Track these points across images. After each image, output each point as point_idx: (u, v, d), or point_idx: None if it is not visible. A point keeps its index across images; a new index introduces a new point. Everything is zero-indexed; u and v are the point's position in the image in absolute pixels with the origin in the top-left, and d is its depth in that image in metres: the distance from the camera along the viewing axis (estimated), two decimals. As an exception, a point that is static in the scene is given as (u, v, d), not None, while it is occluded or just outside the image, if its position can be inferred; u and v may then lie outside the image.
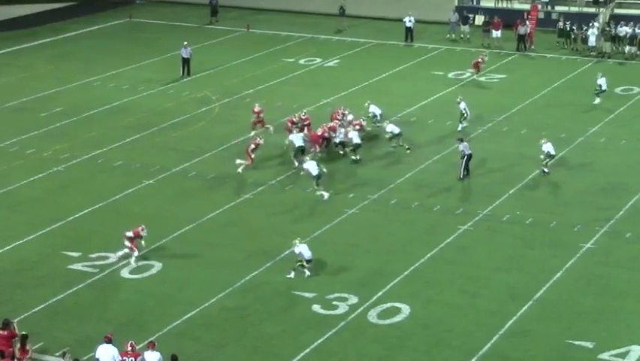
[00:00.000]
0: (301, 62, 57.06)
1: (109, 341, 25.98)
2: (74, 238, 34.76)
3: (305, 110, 43.80)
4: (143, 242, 33.01)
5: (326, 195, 37.66)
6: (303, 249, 31.67)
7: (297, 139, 40.47)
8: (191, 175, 40.11)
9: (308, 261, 31.64)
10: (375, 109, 44.31)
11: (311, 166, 37.77)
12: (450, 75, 53.95)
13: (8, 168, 41.23)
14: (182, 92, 51.44)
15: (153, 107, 49.11)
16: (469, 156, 39.34)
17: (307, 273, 31.59)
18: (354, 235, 35.07)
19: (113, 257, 32.90)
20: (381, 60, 57.17)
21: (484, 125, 45.51)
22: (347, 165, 40.88)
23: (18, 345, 26.19)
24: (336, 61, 57.38)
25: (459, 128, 43.78)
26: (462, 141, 39.93)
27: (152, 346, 25.97)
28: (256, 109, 44.19)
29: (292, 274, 31.65)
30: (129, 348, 25.79)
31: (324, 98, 49.89)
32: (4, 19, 67.11)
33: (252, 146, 40.11)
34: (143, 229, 32.88)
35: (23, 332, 26.53)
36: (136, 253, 32.66)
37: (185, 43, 53.94)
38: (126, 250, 32.75)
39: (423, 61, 57.18)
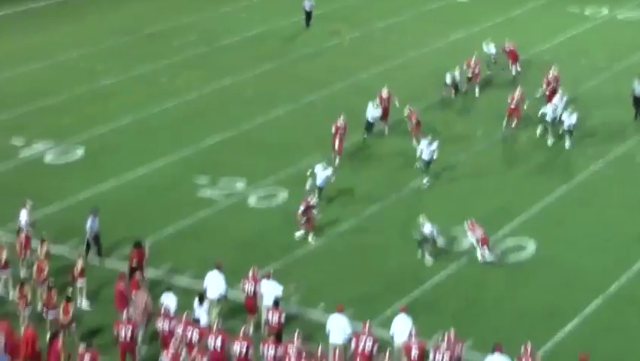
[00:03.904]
0: (435, -4, 56.27)
1: (218, 267, 26.14)
2: (205, 165, 35.28)
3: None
4: None
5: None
6: None
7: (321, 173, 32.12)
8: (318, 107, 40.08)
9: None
10: (491, 48, 43.10)
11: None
12: (586, 12, 52.55)
13: (141, 95, 42.01)
14: (313, 24, 51.33)
15: (284, 38, 49.28)
16: None
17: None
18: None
19: None
20: (515, -4, 56.00)
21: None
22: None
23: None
24: (468, -4, 56.44)
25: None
26: None
27: (268, 276, 26.06)
28: None
29: None
30: (251, 274, 25.97)
31: (453, 34, 49.21)
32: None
33: None
34: None
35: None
36: None
37: None
38: None
39: (558, -3, 55.79)
